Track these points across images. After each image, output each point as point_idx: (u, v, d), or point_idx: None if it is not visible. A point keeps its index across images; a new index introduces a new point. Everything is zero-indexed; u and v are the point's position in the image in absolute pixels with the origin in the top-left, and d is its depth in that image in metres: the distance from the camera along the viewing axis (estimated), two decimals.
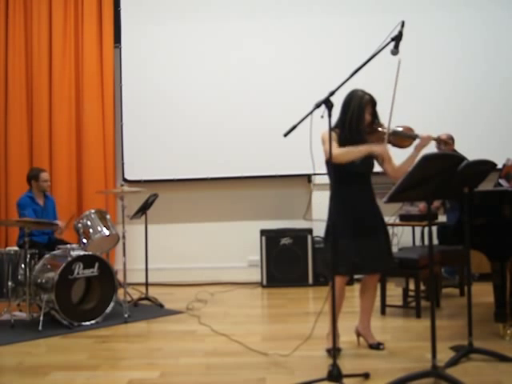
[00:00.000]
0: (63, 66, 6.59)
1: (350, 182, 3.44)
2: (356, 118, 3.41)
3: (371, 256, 3.45)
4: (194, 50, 6.56)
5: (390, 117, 3.35)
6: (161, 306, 5.17)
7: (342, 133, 3.45)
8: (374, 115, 3.49)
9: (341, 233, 3.34)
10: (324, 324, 3.54)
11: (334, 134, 3.38)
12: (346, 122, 3.43)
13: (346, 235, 3.36)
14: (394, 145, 3.46)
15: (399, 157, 3.50)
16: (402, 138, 3.43)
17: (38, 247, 4.91)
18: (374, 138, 3.45)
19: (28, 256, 4.57)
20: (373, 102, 3.46)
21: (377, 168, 3.58)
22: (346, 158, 3.34)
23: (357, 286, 5.02)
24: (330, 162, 3.40)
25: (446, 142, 3.51)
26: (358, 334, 3.71)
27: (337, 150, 3.33)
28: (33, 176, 5.28)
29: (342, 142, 3.43)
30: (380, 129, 3.44)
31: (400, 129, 3.46)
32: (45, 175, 5.32)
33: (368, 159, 3.50)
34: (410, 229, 6.03)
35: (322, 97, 2.91)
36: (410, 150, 3.47)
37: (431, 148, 3.77)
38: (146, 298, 5.31)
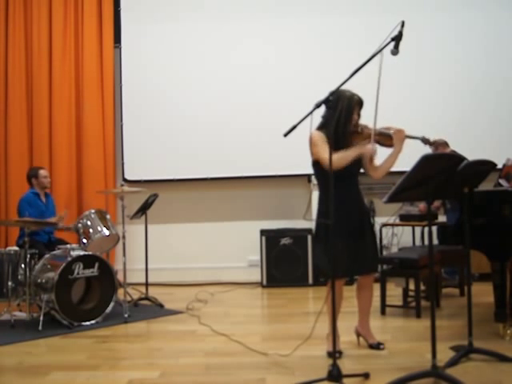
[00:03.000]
0: (63, 65, 6.59)
1: (338, 183, 3.40)
2: (344, 119, 3.38)
3: (360, 257, 3.44)
4: (194, 49, 6.56)
5: (376, 114, 3.31)
6: (161, 305, 5.17)
7: (329, 133, 3.39)
8: (358, 116, 3.47)
9: (330, 233, 3.31)
10: (324, 324, 3.54)
11: (322, 135, 3.36)
12: (333, 122, 3.38)
13: (335, 236, 3.33)
14: (381, 144, 3.45)
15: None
16: (385, 137, 3.42)
17: (38, 247, 4.91)
18: (357, 140, 3.43)
19: (28, 256, 4.58)
20: (360, 103, 3.44)
21: None
22: (339, 163, 3.28)
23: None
24: (318, 163, 3.40)
25: (430, 143, 3.49)
26: (358, 334, 3.71)
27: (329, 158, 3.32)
28: (32, 174, 5.34)
29: (329, 143, 3.40)
30: (360, 130, 3.42)
31: (381, 129, 3.44)
32: (43, 172, 5.38)
33: (356, 159, 3.49)
34: (409, 229, 6.03)
35: (322, 97, 2.92)
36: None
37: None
38: (146, 298, 5.31)
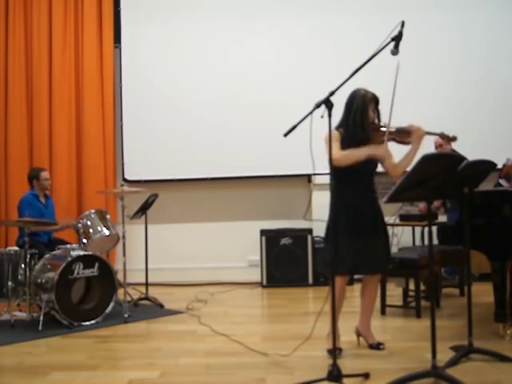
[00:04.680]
0: (63, 66, 6.59)
1: (352, 182, 3.43)
2: (360, 115, 3.43)
3: (370, 256, 3.45)
4: (194, 50, 6.56)
5: (390, 117, 3.34)
6: (161, 306, 5.17)
7: (346, 131, 3.45)
8: (377, 113, 3.50)
9: (341, 232, 3.33)
10: (324, 324, 3.54)
11: (337, 134, 3.39)
12: (349, 119, 3.44)
13: (346, 235, 3.36)
14: (398, 142, 3.46)
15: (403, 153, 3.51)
16: (403, 133, 3.43)
17: (38, 247, 4.91)
18: (376, 136, 3.45)
19: (28, 256, 4.57)
20: (375, 100, 3.47)
21: (378, 168, 3.58)
22: (346, 161, 3.33)
23: (357, 286, 5.03)
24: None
25: (449, 138, 3.49)
26: (358, 334, 3.71)
27: (338, 154, 3.32)
28: (34, 176, 5.33)
29: (347, 141, 3.42)
30: (383, 128, 3.44)
31: (398, 126, 3.45)
32: (45, 174, 5.38)
33: (371, 159, 3.50)
34: (409, 229, 6.03)
35: (322, 97, 2.91)
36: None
37: (431, 149, 3.77)
38: (146, 298, 5.31)
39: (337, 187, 3.33)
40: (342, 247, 3.32)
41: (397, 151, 3.53)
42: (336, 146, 3.35)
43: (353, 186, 3.44)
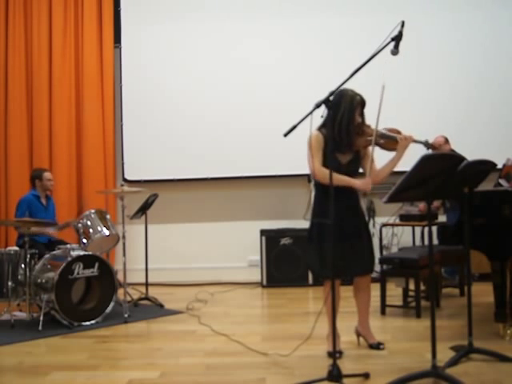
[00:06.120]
0: (63, 65, 6.59)
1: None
2: (346, 119, 3.36)
3: (356, 258, 3.44)
4: (194, 49, 6.56)
5: (377, 121, 3.32)
6: (161, 306, 5.17)
7: (329, 133, 3.34)
8: (362, 116, 3.45)
9: (325, 235, 3.31)
10: (324, 324, 3.54)
11: (320, 138, 3.36)
12: (335, 122, 3.35)
13: (330, 238, 3.32)
14: (382, 147, 3.44)
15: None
16: (389, 140, 3.41)
17: (38, 247, 4.91)
18: (361, 140, 3.42)
19: (28, 256, 4.57)
20: (363, 103, 3.41)
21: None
22: (323, 180, 3.30)
23: None
24: None
25: (433, 147, 3.50)
26: (358, 334, 3.71)
27: (318, 171, 3.34)
28: (36, 176, 5.35)
29: (329, 144, 3.39)
30: (362, 131, 3.41)
31: (384, 131, 3.43)
32: (48, 174, 5.40)
33: (353, 161, 3.49)
34: (409, 229, 6.03)
35: (322, 97, 2.92)
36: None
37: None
38: (146, 298, 5.31)
39: (320, 189, 3.31)
40: (327, 250, 3.28)
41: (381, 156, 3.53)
42: (318, 158, 3.35)
43: (335, 188, 3.39)
